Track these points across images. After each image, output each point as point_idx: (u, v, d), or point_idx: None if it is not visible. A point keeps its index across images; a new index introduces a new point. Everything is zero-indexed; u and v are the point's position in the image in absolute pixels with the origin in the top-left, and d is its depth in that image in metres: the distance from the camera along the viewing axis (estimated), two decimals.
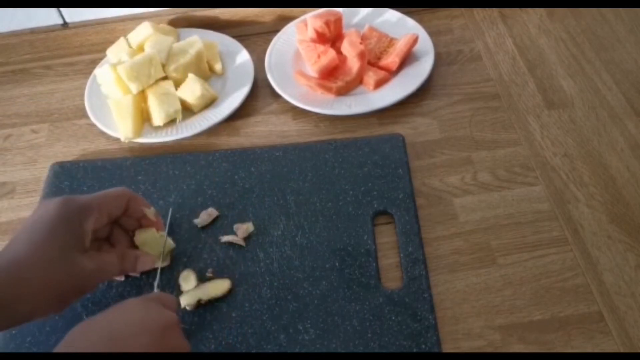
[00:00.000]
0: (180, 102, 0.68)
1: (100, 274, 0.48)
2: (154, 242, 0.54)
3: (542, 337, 0.50)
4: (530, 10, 0.80)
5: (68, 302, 0.47)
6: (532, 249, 0.55)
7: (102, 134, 0.70)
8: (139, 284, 0.55)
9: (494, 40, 0.76)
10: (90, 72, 0.76)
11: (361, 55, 0.69)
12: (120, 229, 0.54)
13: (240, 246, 0.57)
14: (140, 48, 0.73)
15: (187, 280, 0.54)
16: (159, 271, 0.53)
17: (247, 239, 0.58)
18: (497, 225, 0.57)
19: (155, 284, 0.53)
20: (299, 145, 0.65)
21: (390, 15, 0.78)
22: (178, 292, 0.54)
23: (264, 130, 0.69)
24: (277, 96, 0.71)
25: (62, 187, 0.64)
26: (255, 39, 0.80)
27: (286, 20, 0.80)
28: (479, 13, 0.80)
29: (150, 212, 0.54)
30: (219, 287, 0.54)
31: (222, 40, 0.77)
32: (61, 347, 0.40)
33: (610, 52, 0.72)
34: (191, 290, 0.53)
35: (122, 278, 0.56)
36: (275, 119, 0.70)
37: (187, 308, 0.53)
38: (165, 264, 0.55)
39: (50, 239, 0.45)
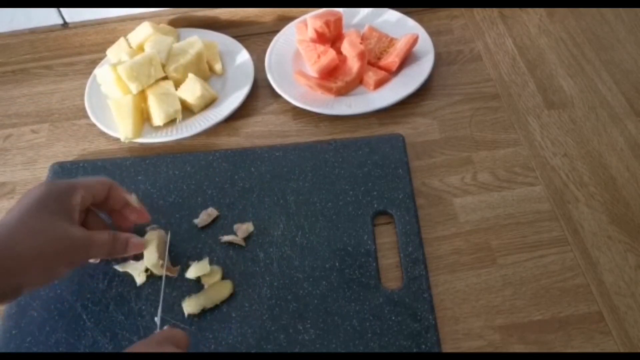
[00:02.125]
0: (180, 102, 0.68)
1: (89, 246, 0.49)
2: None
3: (542, 337, 0.50)
4: (530, 10, 0.80)
5: (56, 271, 0.47)
6: (532, 249, 0.55)
7: (102, 134, 0.70)
8: (138, 284, 0.55)
9: (494, 40, 0.76)
10: (90, 72, 0.76)
11: (361, 56, 0.69)
12: (96, 216, 0.54)
13: (240, 246, 0.57)
14: (140, 48, 0.73)
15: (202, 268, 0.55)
16: (160, 305, 0.52)
17: (247, 239, 0.58)
18: (497, 226, 0.57)
19: (158, 319, 0.51)
20: (299, 145, 0.65)
21: (390, 15, 0.78)
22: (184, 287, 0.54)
23: (264, 130, 0.69)
24: (277, 96, 0.71)
25: None
26: (255, 39, 0.80)
27: (286, 20, 0.80)
28: (479, 13, 0.80)
29: (133, 198, 0.55)
30: (222, 291, 0.54)
31: (222, 40, 0.77)
32: None
33: (610, 52, 0.72)
34: (194, 297, 0.53)
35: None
36: (275, 119, 0.70)
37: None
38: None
39: (39, 208, 0.46)
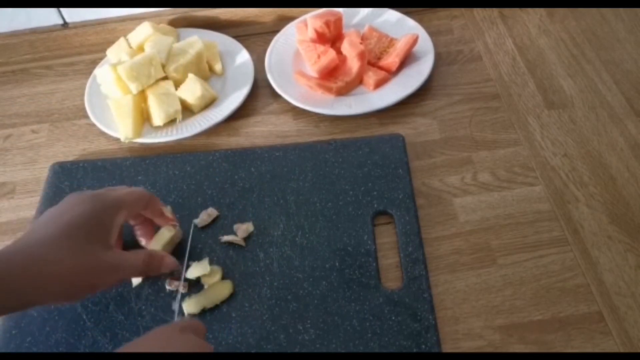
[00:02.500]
0: (180, 102, 0.68)
1: (119, 272, 0.47)
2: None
3: (542, 337, 0.50)
4: (530, 10, 0.80)
5: (78, 294, 0.45)
6: (532, 249, 0.55)
7: (102, 134, 0.70)
8: (134, 285, 0.55)
9: (494, 40, 0.76)
10: (90, 72, 0.76)
11: (361, 56, 0.69)
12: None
13: (240, 246, 0.57)
14: (140, 48, 0.73)
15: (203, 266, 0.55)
16: (179, 295, 0.53)
17: (247, 239, 0.58)
18: (497, 226, 0.57)
19: (176, 307, 0.51)
20: (299, 145, 0.65)
21: (390, 15, 0.78)
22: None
23: (264, 130, 0.69)
24: (277, 96, 0.71)
25: (62, 187, 0.64)
26: (255, 39, 0.80)
27: (286, 20, 0.80)
28: (479, 13, 0.80)
29: (168, 210, 0.56)
30: (222, 291, 0.53)
31: (222, 40, 0.78)
32: None
33: (610, 52, 0.72)
34: (194, 297, 0.53)
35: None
36: (275, 119, 0.70)
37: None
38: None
39: (78, 227, 0.45)
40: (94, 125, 0.71)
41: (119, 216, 0.48)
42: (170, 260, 0.52)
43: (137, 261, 0.48)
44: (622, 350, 0.48)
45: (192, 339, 0.42)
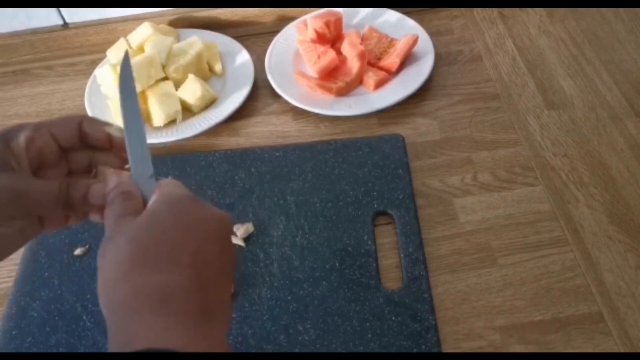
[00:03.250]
0: (180, 102, 0.68)
1: (25, 197, 0.39)
2: None
3: (542, 337, 0.50)
4: (530, 10, 0.80)
5: None
6: (533, 250, 0.55)
7: None
8: None
9: (494, 40, 0.76)
10: (90, 73, 0.76)
11: (361, 56, 0.69)
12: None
13: (240, 246, 0.57)
14: (141, 48, 0.73)
15: None
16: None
17: (247, 239, 0.58)
18: (497, 226, 0.57)
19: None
20: (299, 146, 0.65)
21: (390, 16, 0.78)
22: None
23: (264, 130, 0.69)
24: (277, 96, 0.71)
25: None
26: (255, 39, 0.80)
27: (286, 20, 0.80)
28: (479, 13, 0.80)
29: (115, 129, 0.42)
30: None
31: (222, 41, 0.78)
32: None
33: (610, 52, 0.72)
34: None
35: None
36: (276, 120, 0.70)
37: None
38: None
39: None
40: None
41: (15, 139, 0.40)
42: (99, 187, 0.40)
43: (50, 186, 0.40)
44: (622, 350, 0.48)
45: (208, 209, 0.37)
